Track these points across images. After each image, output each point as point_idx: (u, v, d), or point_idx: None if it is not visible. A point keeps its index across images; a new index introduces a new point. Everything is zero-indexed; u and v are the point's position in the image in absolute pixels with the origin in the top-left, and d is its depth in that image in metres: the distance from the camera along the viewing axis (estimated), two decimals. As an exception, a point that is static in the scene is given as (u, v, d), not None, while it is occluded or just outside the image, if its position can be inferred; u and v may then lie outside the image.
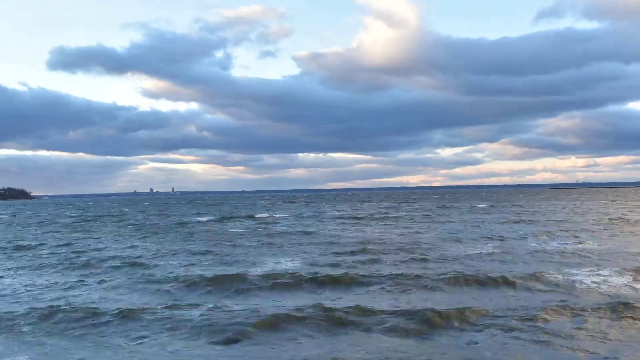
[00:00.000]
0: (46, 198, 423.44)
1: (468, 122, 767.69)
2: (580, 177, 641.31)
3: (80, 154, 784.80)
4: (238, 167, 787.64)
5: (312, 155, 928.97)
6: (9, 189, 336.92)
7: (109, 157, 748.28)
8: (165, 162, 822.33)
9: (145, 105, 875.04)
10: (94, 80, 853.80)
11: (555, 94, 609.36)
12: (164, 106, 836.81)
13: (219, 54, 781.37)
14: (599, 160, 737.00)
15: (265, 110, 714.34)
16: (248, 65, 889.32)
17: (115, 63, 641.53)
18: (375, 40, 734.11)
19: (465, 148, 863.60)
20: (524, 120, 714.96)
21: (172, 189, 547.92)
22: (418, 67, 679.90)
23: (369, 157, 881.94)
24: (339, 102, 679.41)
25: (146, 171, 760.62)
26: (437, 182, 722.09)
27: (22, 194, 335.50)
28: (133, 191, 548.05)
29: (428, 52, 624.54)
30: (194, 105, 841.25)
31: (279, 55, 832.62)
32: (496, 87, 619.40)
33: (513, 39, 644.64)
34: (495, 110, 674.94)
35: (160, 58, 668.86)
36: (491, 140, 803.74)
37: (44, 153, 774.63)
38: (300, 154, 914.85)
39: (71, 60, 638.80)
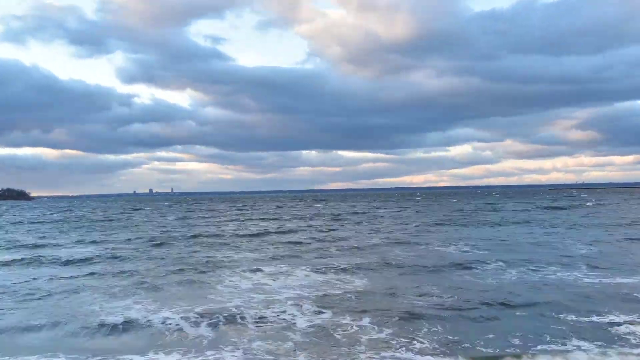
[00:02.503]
0: (45, 199, 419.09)
1: (489, 115, 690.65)
2: (590, 176, 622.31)
3: (67, 150, 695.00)
4: (238, 167, 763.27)
5: (318, 153, 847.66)
6: (8, 190, 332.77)
7: (99, 155, 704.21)
8: (162, 161, 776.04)
9: (124, 90, 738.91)
10: (55, 54, 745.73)
11: (601, 81, 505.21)
12: (147, 92, 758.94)
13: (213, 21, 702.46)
14: (616, 159, 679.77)
15: (268, 102, 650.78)
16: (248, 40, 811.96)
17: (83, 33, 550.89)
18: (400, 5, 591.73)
19: (481, 145, 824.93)
20: (552, 113, 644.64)
21: (172, 189, 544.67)
22: (446, 46, 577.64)
23: (378, 155, 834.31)
24: (350, 90, 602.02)
25: (144, 171, 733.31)
26: (443, 182, 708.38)
27: (21, 195, 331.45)
28: (132, 191, 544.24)
29: (464, 25, 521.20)
30: (185, 96, 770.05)
31: (285, 28, 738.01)
32: (532, 72, 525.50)
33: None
34: (521, 101, 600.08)
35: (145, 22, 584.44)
36: (511, 135, 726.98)
37: (28, 151, 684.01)
38: (304, 151, 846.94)
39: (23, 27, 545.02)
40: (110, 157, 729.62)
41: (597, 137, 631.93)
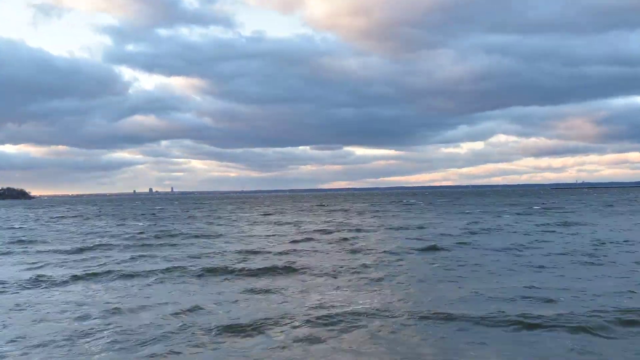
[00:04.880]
0: (45, 198, 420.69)
1: (517, 103, 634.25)
2: (599, 175, 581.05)
3: (54, 146, 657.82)
4: (239, 164, 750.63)
5: (323, 151, 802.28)
6: (9, 189, 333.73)
7: (88, 151, 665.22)
8: (159, 157, 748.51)
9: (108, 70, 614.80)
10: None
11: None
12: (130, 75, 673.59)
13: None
14: (632, 155, 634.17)
15: (272, 88, 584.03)
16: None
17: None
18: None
19: (499, 141, 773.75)
20: (595, 104, 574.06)
21: (172, 188, 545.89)
22: (486, 15, 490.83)
23: (389, 152, 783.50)
24: (365, 73, 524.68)
25: (142, 169, 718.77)
26: (448, 181, 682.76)
27: (21, 194, 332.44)
28: (132, 191, 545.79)
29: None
30: (178, 83, 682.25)
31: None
32: (580, 51, 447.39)
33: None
34: (557, 89, 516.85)
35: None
36: (544, 128, 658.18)
37: (9, 148, 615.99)
38: (309, 149, 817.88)
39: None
40: (105, 155, 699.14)
41: (624, 131, 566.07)
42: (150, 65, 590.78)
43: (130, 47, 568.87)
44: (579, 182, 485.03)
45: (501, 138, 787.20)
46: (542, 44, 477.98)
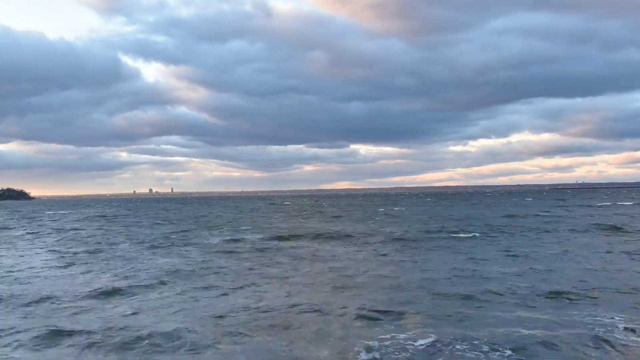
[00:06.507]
0: (45, 199, 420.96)
1: (543, 95, 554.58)
2: (606, 175, 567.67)
3: (47, 144, 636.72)
4: (240, 163, 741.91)
5: (328, 149, 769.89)
6: (9, 190, 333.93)
7: (86, 149, 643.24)
8: (157, 155, 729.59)
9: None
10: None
11: None
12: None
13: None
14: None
15: (275, 78, 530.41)
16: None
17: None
18: None
19: (509, 139, 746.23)
20: (626, 95, 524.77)
21: (172, 189, 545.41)
22: None
23: (397, 149, 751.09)
24: (377, 62, 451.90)
25: (142, 169, 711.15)
26: (454, 181, 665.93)
27: (21, 195, 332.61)
28: (132, 191, 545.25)
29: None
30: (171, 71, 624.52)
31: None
32: (620, 34, 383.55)
33: None
34: (592, 78, 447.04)
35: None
36: (560, 122, 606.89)
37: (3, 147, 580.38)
38: (313, 146, 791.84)
39: None
40: (104, 154, 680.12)
41: None
42: (145, 52, 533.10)
43: (116, 26, 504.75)
44: (579, 182, 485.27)
45: (513, 138, 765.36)
46: (580, 25, 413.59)
